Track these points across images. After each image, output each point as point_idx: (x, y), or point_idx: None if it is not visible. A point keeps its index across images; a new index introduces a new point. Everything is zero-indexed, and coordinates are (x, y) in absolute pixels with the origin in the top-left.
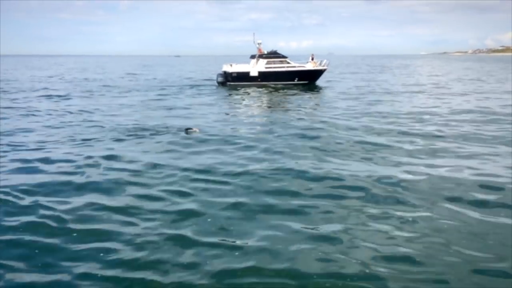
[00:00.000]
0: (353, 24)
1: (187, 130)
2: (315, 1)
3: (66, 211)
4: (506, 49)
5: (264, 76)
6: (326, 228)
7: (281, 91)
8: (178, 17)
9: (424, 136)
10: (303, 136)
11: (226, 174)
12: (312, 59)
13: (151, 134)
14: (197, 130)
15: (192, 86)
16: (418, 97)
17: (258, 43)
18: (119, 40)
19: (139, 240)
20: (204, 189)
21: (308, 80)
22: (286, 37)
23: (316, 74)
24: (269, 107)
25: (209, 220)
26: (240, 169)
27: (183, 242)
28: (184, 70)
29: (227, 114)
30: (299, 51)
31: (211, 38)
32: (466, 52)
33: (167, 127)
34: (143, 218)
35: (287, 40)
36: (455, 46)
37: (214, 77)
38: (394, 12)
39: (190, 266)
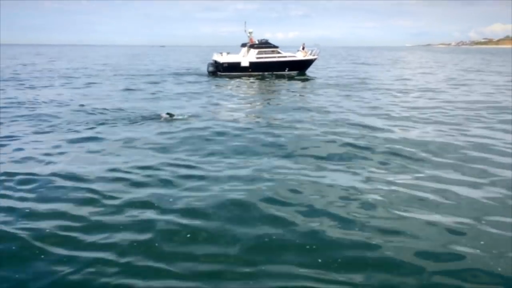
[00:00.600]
0: (339, 16)
1: (171, 114)
2: None
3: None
4: (488, 42)
5: (255, 66)
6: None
7: (271, 80)
8: (164, 6)
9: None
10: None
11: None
12: (303, 48)
13: (137, 120)
14: (182, 116)
15: (181, 75)
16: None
17: (249, 32)
18: (103, 30)
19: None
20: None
21: (298, 69)
22: (272, 28)
23: (306, 63)
24: (258, 95)
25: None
26: (209, 149)
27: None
28: (170, 60)
29: (214, 102)
30: (286, 42)
31: (197, 28)
32: (449, 44)
33: (152, 113)
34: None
35: (273, 31)
36: (439, 38)
37: (203, 67)
38: (379, 4)
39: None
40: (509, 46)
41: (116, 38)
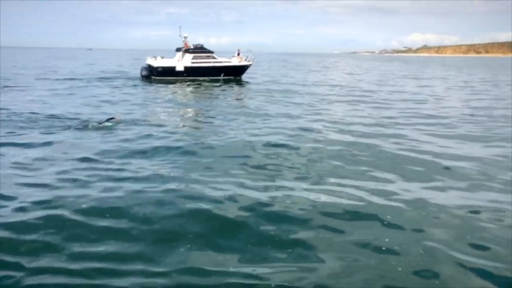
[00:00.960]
0: (270, 22)
1: (100, 121)
2: None
3: None
4: (408, 50)
5: (190, 71)
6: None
7: (206, 85)
8: (91, 8)
9: None
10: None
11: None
12: (238, 54)
13: (61, 126)
14: (111, 122)
15: (110, 79)
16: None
17: (184, 37)
18: (26, 32)
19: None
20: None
21: (233, 75)
22: (205, 33)
23: (242, 69)
24: (192, 100)
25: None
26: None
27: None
28: (98, 63)
29: (146, 106)
30: (219, 47)
31: (127, 31)
32: (374, 52)
33: (77, 119)
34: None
35: (206, 36)
36: (364, 46)
37: (134, 71)
38: (309, 12)
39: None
40: (426, 54)
41: (41, 40)
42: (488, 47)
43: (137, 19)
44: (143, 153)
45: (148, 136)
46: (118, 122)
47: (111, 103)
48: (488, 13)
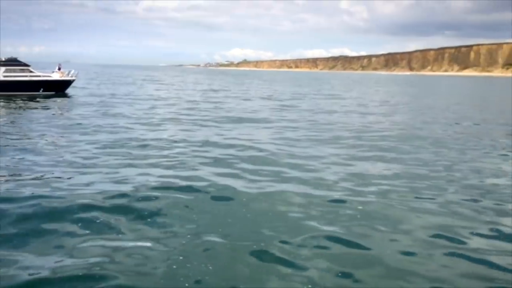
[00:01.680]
0: (90, 32)
1: None
2: (46, 5)
3: None
4: (231, 64)
5: (2, 86)
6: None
7: (22, 102)
8: None
9: None
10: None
11: None
12: (59, 69)
13: None
14: None
15: None
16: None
17: None
18: None
19: None
20: None
21: (55, 90)
22: (13, 41)
23: (64, 84)
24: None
25: None
26: None
27: None
28: None
29: None
30: (31, 57)
31: None
32: (199, 65)
33: None
34: None
35: (14, 45)
36: (190, 60)
37: None
38: (131, 23)
39: None
40: (246, 68)
41: None
42: (297, 63)
43: None
44: None
45: None
46: None
47: None
48: (295, 33)
